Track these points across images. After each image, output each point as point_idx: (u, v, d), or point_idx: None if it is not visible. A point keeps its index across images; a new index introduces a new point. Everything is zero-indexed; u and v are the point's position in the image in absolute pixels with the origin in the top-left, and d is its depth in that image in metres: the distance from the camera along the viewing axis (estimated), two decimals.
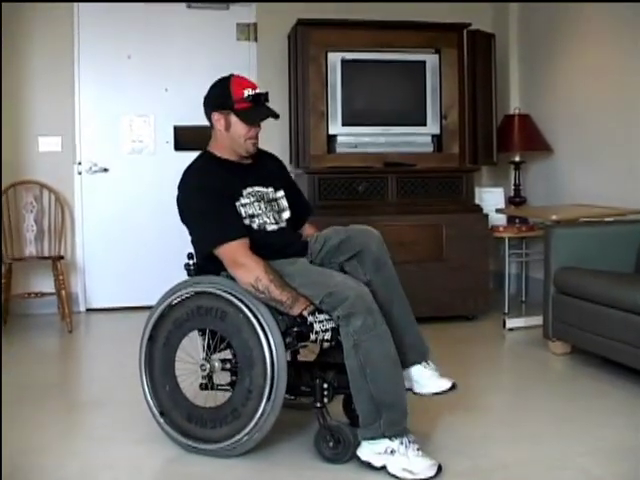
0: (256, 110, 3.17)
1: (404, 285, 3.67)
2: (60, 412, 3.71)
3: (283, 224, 3.27)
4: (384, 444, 2.84)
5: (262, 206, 3.20)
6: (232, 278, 3.05)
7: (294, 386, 3.12)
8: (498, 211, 5.86)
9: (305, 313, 2.94)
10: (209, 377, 3.15)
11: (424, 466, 2.79)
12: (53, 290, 5.77)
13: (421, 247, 5.47)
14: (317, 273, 3.08)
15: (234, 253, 3.02)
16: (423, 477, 2.77)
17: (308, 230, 3.47)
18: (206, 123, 6.71)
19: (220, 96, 3.20)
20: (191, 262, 3.28)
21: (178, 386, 3.17)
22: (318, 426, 3.01)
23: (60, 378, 4.50)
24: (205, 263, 3.19)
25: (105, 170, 6.22)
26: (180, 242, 6.15)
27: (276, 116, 3.21)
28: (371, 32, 5.80)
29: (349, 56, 5.73)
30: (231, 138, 3.20)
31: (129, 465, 3.04)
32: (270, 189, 3.29)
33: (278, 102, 6.17)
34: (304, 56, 5.72)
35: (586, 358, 4.41)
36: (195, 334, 3.20)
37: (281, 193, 3.34)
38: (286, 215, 3.31)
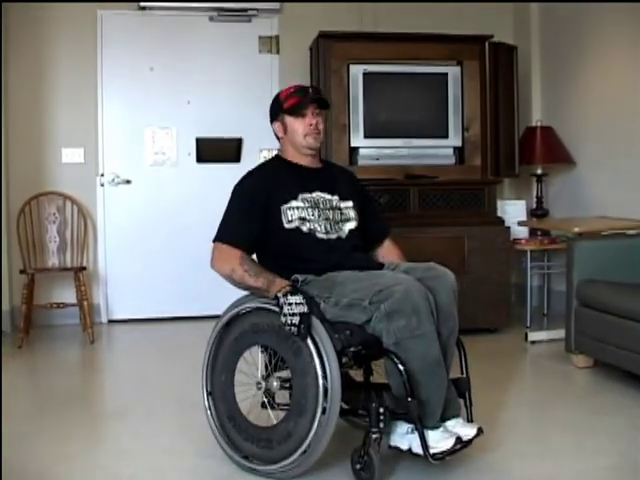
0: (303, 101, 3.26)
1: None
2: (83, 423, 3.71)
3: (342, 234, 3.23)
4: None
5: (315, 213, 3.19)
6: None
7: (349, 409, 3.07)
8: (520, 224, 5.84)
9: (279, 295, 2.87)
10: (271, 396, 3.08)
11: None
12: (75, 301, 5.78)
13: (443, 259, 5.34)
14: (368, 276, 3.00)
15: (217, 250, 3.13)
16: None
17: (387, 252, 3.50)
18: (228, 135, 6.78)
19: (273, 106, 3.37)
20: None
21: (242, 414, 3.09)
22: (360, 447, 2.85)
23: (83, 389, 4.51)
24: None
25: (127, 182, 6.25)
26: (202, 253, 6.21)
27: (323, 102, 3.31)
28: (393, 44, 5.81)
29: (371, 68, 5.73)
30: (291, 139, 3.29)
31: (153, 476, 3.04)
32: (335, 197, 3.29)
33: None
34: (326, 69, 5.73)
35: (609, 372, 4.38)
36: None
37: (349, 204, 3.32)
38: (350, 226, 3.27)
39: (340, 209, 3.28)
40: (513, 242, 5.73)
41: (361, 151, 5.72)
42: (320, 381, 2.78)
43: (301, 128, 3.25)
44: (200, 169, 6.33)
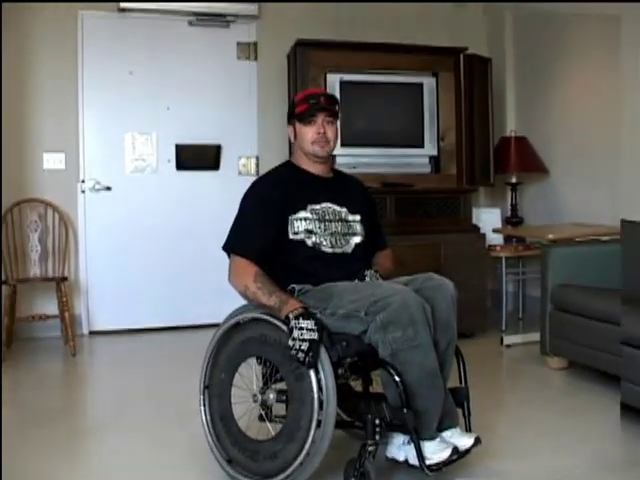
0: (313, 108, 3.20)
1: None
2: (64, 437, 3.63)
3: (348, 249, 3.18)
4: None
5: (322, 226, 3.13)
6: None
7: (344, 421, 3.07)
8: (495, 231, 5.93)
9: (290, 315, 2.79)
10: (268, 408, 2.99)
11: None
12: (57, 312, 5.65)
13: (420, 267, 5.40)
14: (365, 287, 2.99)
15: (234, 264, 3.06)
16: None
17: (381, 261, 3.42)
18: (207, 141, 6.68)
19: (289, 109, 3.35)
20: None
21: (239, 429, 3.04)
22: (355, 458, 2.78)
23: (64, 403, 4.41)
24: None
25: (108, 189, 6.16)
26: (183, 262, 6.19)
27: (329, 111, 3.21)
28: (370, 54, 5.89)
29: (348, 77, 5.80)
30: (300, 145, 3.25)
31: None
32: (344, 209, 3.25)
33: (278, 122, 6.19)
34: (303, 76, 5.78)
35: (582, 372, 4.48)
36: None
37: (356, 217, 3.27)
38: (356, 240, 3.22)
39: (348, 222, 3.23)
40: (488, 249, 5.82)
41: (338, 159, 5.74)
42: (315, 415, 2.71)
43: (309, 135, 3.20)
44: (179, 176, 6.29)
